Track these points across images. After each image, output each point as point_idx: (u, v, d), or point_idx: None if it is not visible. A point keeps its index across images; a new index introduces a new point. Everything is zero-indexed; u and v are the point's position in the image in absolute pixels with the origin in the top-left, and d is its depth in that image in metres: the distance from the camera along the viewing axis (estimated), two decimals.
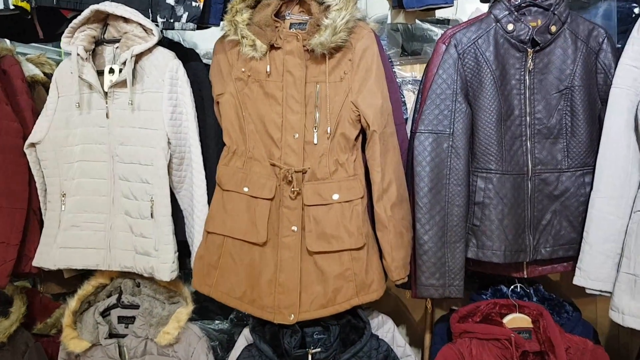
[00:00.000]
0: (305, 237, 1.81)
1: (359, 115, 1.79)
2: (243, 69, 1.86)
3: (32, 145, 1.96)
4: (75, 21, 1.87)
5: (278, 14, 1.84)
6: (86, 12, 1.86)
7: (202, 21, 1.88)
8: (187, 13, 1.80)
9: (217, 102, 1.91)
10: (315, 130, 1.82)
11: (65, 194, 1.93)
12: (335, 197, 1.80)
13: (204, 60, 2.06)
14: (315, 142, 1.81)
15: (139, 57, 1.87)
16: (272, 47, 1.83)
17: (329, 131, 1.80)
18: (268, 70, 1.83)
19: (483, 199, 1.77)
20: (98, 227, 1.91)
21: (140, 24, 1.86)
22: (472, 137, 1.79)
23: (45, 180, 1.98)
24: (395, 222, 1.79)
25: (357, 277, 1.79)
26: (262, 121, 1.85)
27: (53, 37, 2.14)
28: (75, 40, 1.88)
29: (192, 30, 1.81)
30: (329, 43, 1.74)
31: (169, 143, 1.86)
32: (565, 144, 1.79)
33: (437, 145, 1.77)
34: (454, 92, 1.76)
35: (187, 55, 1.98)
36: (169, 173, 1.89)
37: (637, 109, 1.66)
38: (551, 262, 1.87)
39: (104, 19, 1.91)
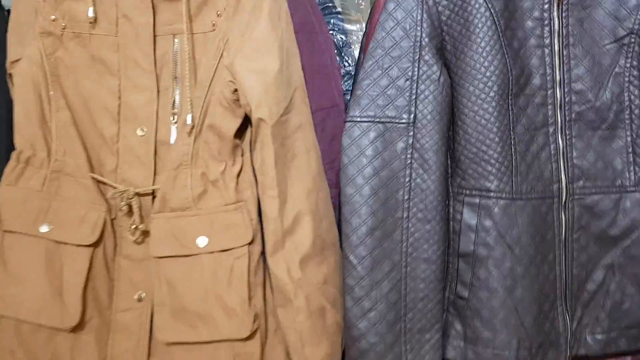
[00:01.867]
0: (155, 315, 0.99)
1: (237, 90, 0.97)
2: (53, 16, 1.03)
3: None
4: None
5: None
6: None
7: None
8: None
9: (10, 75, 1.09)
10: (173, 121, 1.00)
11: None
12: (202, 242, 0.98)
13: None
14: (172, 141, 1.00)
15: None
16: None
17: (189, 122, 0.98)
18: (91, 14, 1.01)
19: (475, 247, 0.92)
20: None
21: None
22: (453, 129, 0.95)
23: None
24: (309, 290, 0.96)
25: None
26: (85, 106, 1.03)
27: None
28: None
29: None
30: None
31: None
32: (630, 138, 0.95)
33: (386, 144, 0.92)
34: (417, 44, 0.92)
35: None
36: None
37: None
38: (603, 358, 1.01)
39: None
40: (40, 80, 1.04)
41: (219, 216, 0.99)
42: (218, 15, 0.99)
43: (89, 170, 1.02)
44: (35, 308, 0.99)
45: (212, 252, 0.98)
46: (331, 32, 1.23)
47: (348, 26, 1.27)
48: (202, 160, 0.99)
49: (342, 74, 1.21)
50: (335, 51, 1.23)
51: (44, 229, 1.01)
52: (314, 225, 0.96)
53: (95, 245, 1.01)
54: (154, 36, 1.01)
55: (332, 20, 1.26)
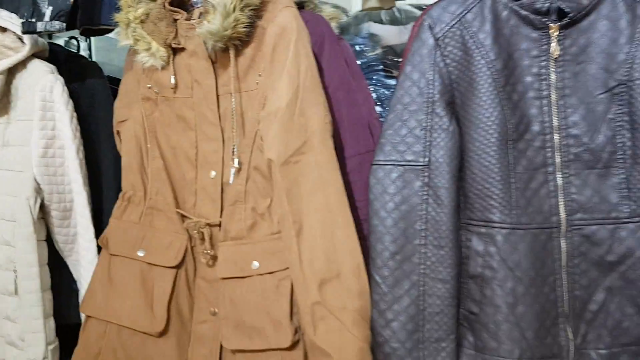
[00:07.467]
0: (222, 327, 1.22)
1: None
2: (149, 85, 1.32)
3: None
4: None
5: (183, 2, 1.30)
6: None
7: (91, 21, 1.36)
8: (51, 8, 1.29)
9: (118, 132, 1.39)
10: (233, 165, 1.24)
11: None
12: (255, 265, 1.20)
13: None
14: (231, 181, 1.24)
15: (11, 74, 1.39)
16: (175, 49, 1.28)
17: (236, 164, 1.22)
18: (173, 82, 1.29)
19: (482, 270, 1.09)
20: None
21: (10, 30, 1.38)
22: (461, 170, 1.12)
23: None
24: (328, 313, 1.13)
25: None
26: (173, 155, 1.30)
27: None
28: None
29: (59, 31, 1.30)
30: (222, 32, 1.16)
31: (38, 190, 1.35)
32: (623, 176, 1.08)
33: (405, 183, 1.11)
34: (429, 100, 1.11)
35: (85, 71, 1.48)
36: (52, 231, 1.38)
37: None
38: None
39: None
40: (140, 135, 1.33)
41: (265, 244, 1.20)
42: (259, 76, 1.21)
43: (175, 207, 1.28)
44: (132, 316, 1.25)
45: (262, 274, 1.19)
46: (375, 86, 1.44)
47: (389, 81, 1.48)
48: (252, 196, 1.22)
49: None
50: (379, 103, 1.44)
51: (140, 253, 1.27)
52: (325, 248, 1.13)
53: (178, 267, 1.26)
54: (217, 95, 1.25)
55: (374, 77, 1.47)
